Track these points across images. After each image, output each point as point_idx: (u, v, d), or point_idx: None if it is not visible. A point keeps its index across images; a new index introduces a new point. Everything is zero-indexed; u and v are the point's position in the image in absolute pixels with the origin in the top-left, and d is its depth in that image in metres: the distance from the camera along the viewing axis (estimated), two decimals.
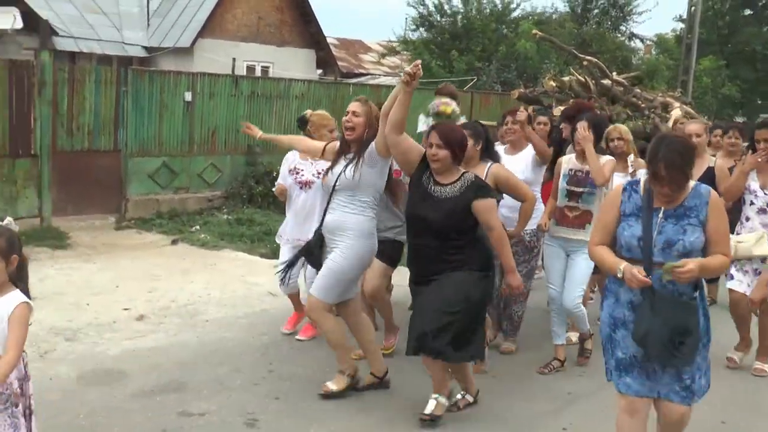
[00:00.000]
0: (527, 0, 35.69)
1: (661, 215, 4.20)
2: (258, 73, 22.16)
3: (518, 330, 7.27)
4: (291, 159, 7.11)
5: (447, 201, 5.29)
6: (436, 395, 5.52)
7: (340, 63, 26.81)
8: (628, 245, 4.25)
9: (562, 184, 6.60)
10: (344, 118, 5.79)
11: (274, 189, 7.36)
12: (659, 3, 50.71)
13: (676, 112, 11.48)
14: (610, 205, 4.43)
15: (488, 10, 28.38)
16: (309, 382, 6.07)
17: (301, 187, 6.96)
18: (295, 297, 7.27)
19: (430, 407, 5.47)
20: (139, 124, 12.50)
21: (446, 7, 28.43)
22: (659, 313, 4.10)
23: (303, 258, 6.02)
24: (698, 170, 6.76)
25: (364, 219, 5.69)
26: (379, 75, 29.09)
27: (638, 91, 14.02)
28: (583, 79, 14.10)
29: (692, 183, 4.25)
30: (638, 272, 4.08)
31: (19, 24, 18.14)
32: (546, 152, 7.13)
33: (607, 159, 6.53)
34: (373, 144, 5.64)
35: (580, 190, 6.50)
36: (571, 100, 11.99)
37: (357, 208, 5.67)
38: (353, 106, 5.81)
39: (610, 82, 13.55)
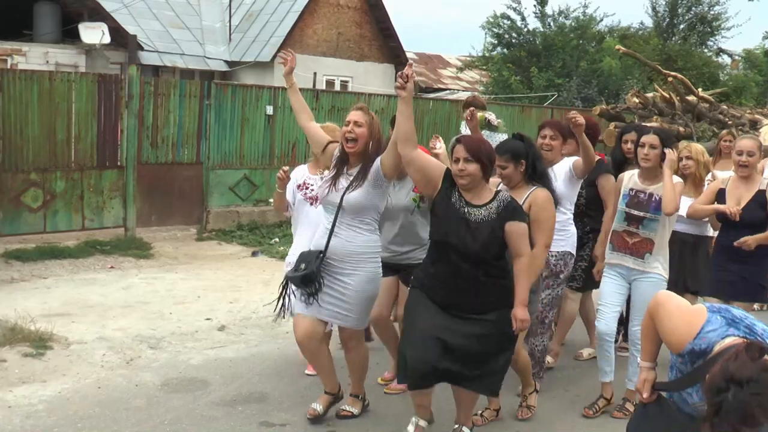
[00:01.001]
0: (611, 15, 34.89)
1: None
2: (338, 87, 22.34)
3: (542, 367, 6.18)
4: (298, 174, 6.50)
5: (484, 226, 4.74)
6: (415, 419, 5.25)
7: (419, 78, 26.84)
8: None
9: (621, 205, 5.87)
10: (345, 129, 5.28)
11: (272, 200, 6.58)
12: (751, 18, 49.51)
13: (765, 129, 11.22)
14: (686, 325, 3.13)
15: (569, 25, 27.94)
16: (390, 394, 6.05)
17: (311, 203, 6.34)
18: None
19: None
20: (221, 137, 12.69)
21: (520, 24, 28.06)
22: (649, 418, 3.41)
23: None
24: (748, 193, 6.10)
25: (372, 238, 5.36)
26: (458, 90, 29.04)
27: (725, 107, 13.79)
28: (667, 96, 13.92)
29: None
30: (647, 390, 3.39)
31: (107, 39, 18.75)
32: (592, 159, 6.07)
33: (676, 182, 5.71)
34: (378, 161, 5.22)
35: (641, 214, 5.73)
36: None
37: (364, 230, 5.29)
38: (355, 115, 5.26)
39: (695, 98, 13.34)
